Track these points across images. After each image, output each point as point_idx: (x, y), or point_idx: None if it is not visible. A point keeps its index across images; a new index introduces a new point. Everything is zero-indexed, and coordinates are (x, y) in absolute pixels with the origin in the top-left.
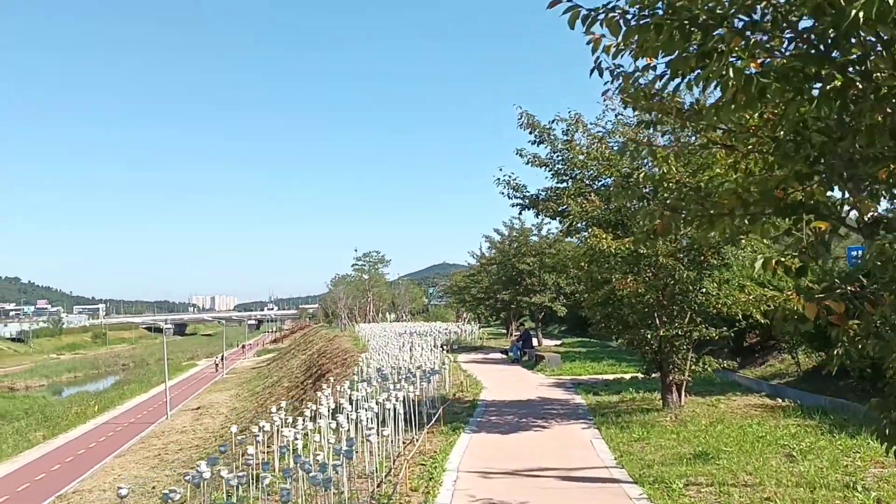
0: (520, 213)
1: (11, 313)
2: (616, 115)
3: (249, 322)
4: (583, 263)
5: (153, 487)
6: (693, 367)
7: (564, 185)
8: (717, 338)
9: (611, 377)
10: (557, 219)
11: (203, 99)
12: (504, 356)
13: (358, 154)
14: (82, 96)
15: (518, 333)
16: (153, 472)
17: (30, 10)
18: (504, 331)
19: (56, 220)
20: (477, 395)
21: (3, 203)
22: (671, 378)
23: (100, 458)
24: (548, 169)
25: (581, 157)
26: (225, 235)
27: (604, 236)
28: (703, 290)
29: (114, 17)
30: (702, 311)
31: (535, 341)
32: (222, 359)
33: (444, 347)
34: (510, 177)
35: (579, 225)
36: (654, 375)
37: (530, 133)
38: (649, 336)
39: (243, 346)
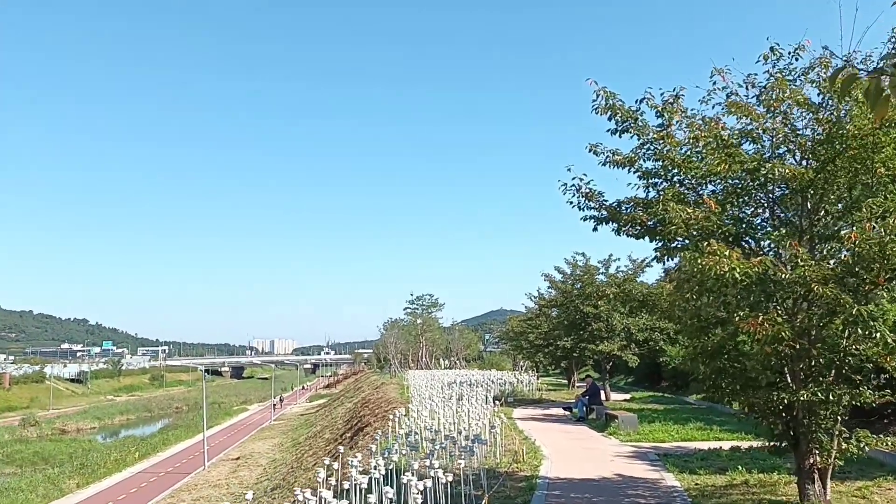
0: (594, 229)
1: (78, 354)
2: (728, 95)
3: (305, 366)
4: (689, 295)
5: None
6: (843, 444)
7: (654, 193)
8: (874, 403)
9: (703, 445)
10: (646, 237)
11: (261, 145)
12: (567, 413)
13: (412, 195)
14: (151, 146)
15: (584, 386)
16: None
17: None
18: (565, 381)
19: (123, 263)
20: (536, 470)
21: (72, 246)
22: (812, 460)
23: None
24: (632, 170)
25: (683, 150)
26: (284, 278)
27: (725, 252)
28: (876, 333)
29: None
30: (857, 365)
31: (602, 395)
32: (280, 400)
33: (498, 401)
34: (581, 180)
35: (678, 242)
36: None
37: (609, 119)
38: (784, 400)
39: (303, 387)
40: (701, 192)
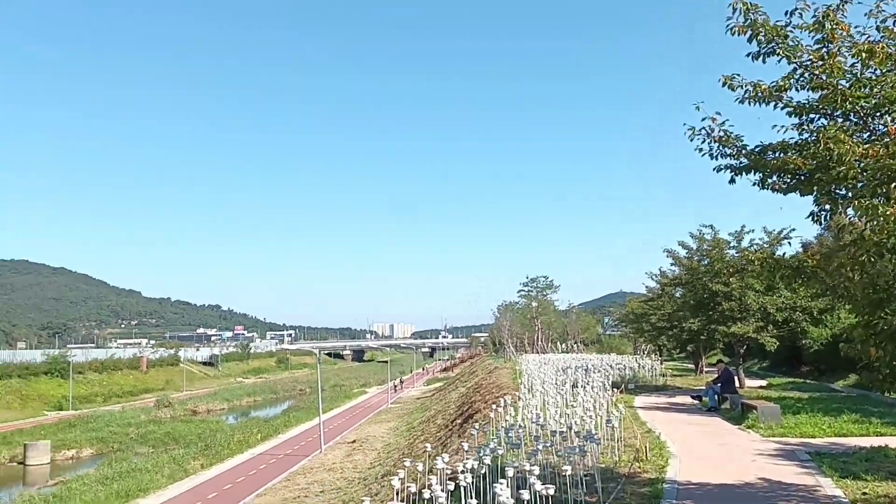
0: (731, 181)
1: (212, 338)
2: None
3: (423, 350)
4: (863, 259)
5: None
6: None
7: (808, 134)
8: None
9: (864, 442)
10: (797, 191)
11: (369, 128)
12: (696, 401)
13: (528, 178)
14: (271, 139)
15: (715, 371)
16: None
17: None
18: (692, 366)
19: (254, 252)
20: (662, 471)
21: (207, 237)
22: None
23: (243, 495)
24: (780, 105)
25: (849, 77)
26: (404, 263)
27: None
28: None
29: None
30: None
31: (735, 381)
32: (401, 382)
33: (618, 387)
34: (714, 121)
35: (845, 191)
36: None
37: (750, 40)
38: None
39: (422, 370)
40: (873, 128)
